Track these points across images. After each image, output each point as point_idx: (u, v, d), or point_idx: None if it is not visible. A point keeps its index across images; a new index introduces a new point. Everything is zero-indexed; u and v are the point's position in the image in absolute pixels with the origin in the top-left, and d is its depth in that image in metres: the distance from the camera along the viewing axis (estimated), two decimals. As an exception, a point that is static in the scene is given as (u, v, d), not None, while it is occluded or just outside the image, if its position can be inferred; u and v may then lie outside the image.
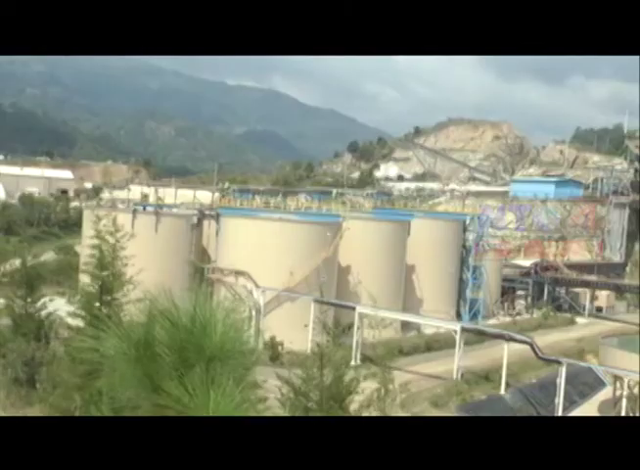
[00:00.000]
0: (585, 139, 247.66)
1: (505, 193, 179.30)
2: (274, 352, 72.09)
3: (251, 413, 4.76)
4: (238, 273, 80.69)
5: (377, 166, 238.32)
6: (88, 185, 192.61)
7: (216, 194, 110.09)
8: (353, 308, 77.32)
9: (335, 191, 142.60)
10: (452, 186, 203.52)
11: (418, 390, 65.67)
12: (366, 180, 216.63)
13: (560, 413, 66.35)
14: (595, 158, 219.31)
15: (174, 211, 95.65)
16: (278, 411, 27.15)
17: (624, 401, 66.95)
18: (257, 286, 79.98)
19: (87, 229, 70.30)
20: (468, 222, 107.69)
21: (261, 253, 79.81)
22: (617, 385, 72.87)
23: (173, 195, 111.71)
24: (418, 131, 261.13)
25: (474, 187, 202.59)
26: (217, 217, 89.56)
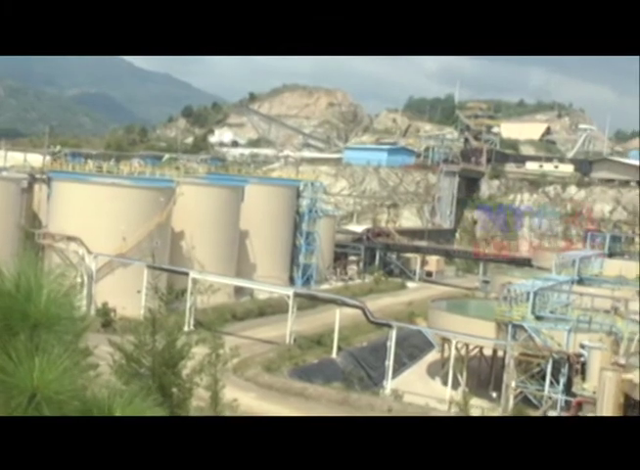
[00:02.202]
0: (418, 108, 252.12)
1: (339, 160, 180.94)
2: (106, 319, 71.18)
3: (80, 380, 4.72)
4: (69, 239, 79.08)
5: (211, 132, 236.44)
6: None
7: (47, 157, 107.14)
8: (187, 274, 77.04)
9: (167, 156, 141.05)
10: (286, 152, 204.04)
11: (251, 354, 66.04)
12: (200, 145, 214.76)
13: (390, 375, 67.98)
14: (427, 127, 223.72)
15: (4, 174, 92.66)
16: (109, 377, 26.91)
17: (452, 362, 69.12)
18: (89, 252, 78.63)
19: None
20: (302, 188, 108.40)
21: (94, 218, 78.38)
22: (445, 346, 75.17)
23: (3, 157, 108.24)
24: (253, 97, 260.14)
25: (308, 154, 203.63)
26: (48, 181, 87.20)
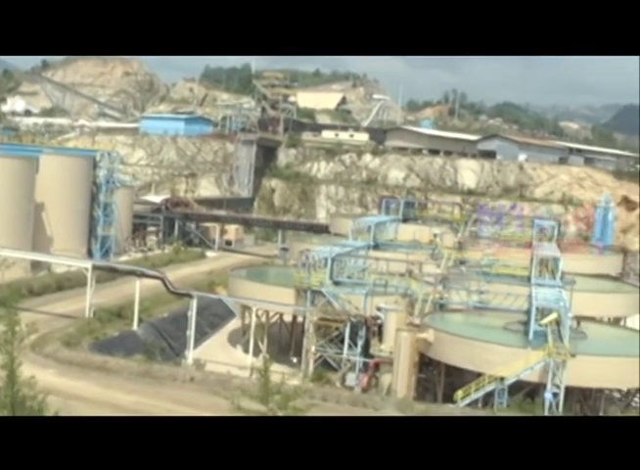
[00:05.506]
0: (214, 78, 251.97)
1: (135, 129, 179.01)
2: None
3: None
4: None
5: (3, 100, 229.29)
6: None
7: None
8: (-21, 249, 74.79)
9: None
10: (82, 122, 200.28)
11: (50, 330, 64.86)
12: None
13: (192, 345, 68.21)
14: (224, 96, 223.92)
15: None
16: None
17: (252, 329, 69.97)
18: None
19: None
20: (98, 159, 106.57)
21: None
22: (246, 314, 76.02)
23: None
24: (46, 65, 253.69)
25: (104, 123, 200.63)
26: None
